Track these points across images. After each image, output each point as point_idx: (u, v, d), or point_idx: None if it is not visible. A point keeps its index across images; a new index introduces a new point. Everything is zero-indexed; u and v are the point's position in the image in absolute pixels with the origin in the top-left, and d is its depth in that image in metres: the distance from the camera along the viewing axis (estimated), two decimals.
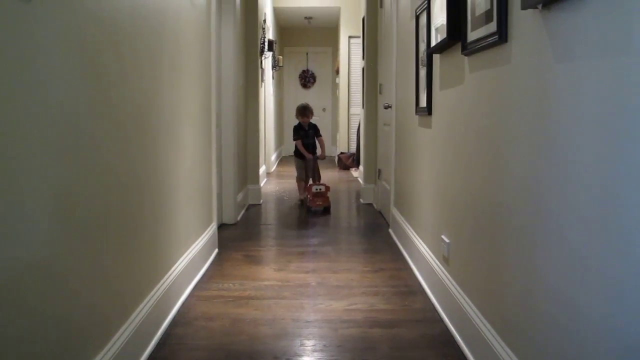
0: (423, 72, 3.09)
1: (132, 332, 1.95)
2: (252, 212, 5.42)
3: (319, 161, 5.96)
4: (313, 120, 6.05)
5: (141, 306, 2.10)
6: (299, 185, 5.94)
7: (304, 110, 5.84)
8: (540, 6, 1.46)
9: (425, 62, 3.02)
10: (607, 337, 1.18)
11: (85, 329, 1.63)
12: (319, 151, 5.95)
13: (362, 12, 6.10)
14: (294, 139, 5.82)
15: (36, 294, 1.35)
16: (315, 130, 5.88)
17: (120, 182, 1.90)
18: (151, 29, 2.25)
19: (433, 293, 2.78)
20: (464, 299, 2.21)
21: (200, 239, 3.25)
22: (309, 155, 5.75)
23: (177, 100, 2.70)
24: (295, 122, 6.01)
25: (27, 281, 1.31)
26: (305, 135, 5.80)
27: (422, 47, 3.10)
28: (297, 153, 5.88)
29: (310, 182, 5.81)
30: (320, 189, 5.41)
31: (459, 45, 2.29)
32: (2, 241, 1.21)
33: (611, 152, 1.16)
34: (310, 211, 5.37)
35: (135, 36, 2.05)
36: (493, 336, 1.86)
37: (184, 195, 2.84)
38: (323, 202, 5.39)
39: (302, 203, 5.75)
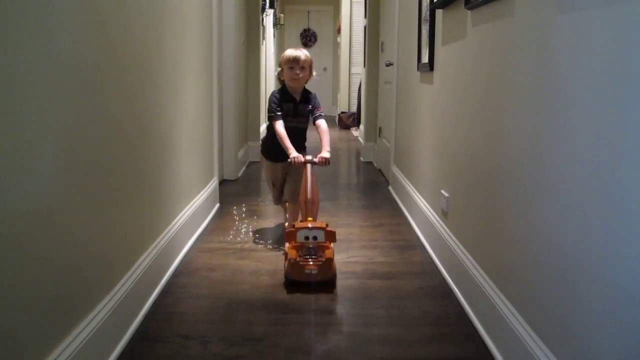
0: (425, 28, 3.08)
1: (136, 280, 1.99)
2: (253, 168, 5.44)
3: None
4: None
5: (145, 255, 2.14)
6: (283, 207, 3.31)
7: (295, 58, 2.88)
8: None
9: (427, 18, 3.00)
10: (598, 282, 1.22)
11: (89, 275, 1.67)
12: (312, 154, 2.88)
13: None
14: (269, 119, 2.98)
15: (41, 241, 1.38)
16: (313, 106, 2.99)
17: (123, 132, 1.92)
18: None
19: (431, 247, 2.83)
20: (462, 251, 2.25)
21: (201, 193, 3.28)
22: (296, 157, 2.79)
23: (178, 55, 2.70)
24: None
25: (32, 228, 1.34)
26: (294, 112, 2.94)
27: (425, 3, 3.08)
28: (269, 149, 3.05)
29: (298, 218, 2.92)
30: (314, 238, 2.45)
31: (462, 0, 2.28)
32: (8, 189, 1.23)
33: (611, 103, 1.18)
34: (289, 281, 2.43)
35: None
36: (489, 285, 1.90)
37: (185, 149, 2.86)
38: (321, 269, 2.40)
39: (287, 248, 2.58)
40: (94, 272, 1.69)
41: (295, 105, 2.93)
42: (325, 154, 2.81)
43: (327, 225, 2.48)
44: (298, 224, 2.48)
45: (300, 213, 2.77)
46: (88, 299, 1.65)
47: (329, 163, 2.82)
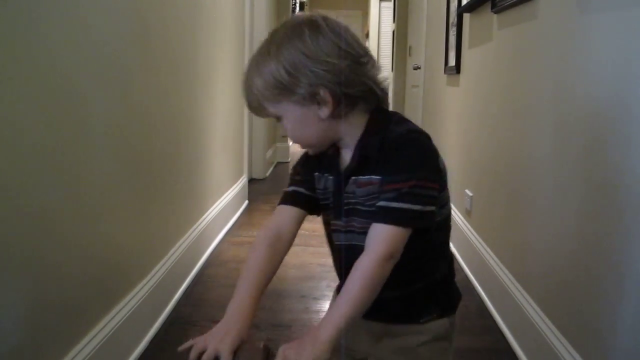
0: (453, 32, 3.14)
1: (169, 268, 2.09)
2: (281, 168, 5.55)
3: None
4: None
5: (177, 245, 2.24)
6: None
7: (248, 103, 0.99)
8: None
9: (455, 22, 3.07)
10: (622, 276, 1.27)
11: (127, 260, 1.77)
12: None
13: None
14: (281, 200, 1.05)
15: (86, 225, 1.49)
16: (386, 178, 0.89)
17: (161, 129, 2.02)
18: None
19: (455, 245, 2.88)
20: (484, 249, 2.31)
21: (231, 189, 3.38)
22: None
23: (212, 57, 2.80)
24: None
25: (79, 213, 1.44)
26: (337, 199, 0.99)
27: (453, 7, 3.15)
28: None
29: None
30: None
31: (488, 4, 2.34)
32: (63, 176, 1.34)
33: (630, 96, 1.24)
34: None
35: None
36: (510, 281, 1.96)
37: (217, 147, 2.96)
38: None
39: None
40: (131, 258, 1.79)
41: (338, 181, 1.00)
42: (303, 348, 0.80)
43: None
44: None
45: None
46: (126, 282, 1.76)
47: None
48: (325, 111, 0.92)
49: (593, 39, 1.40)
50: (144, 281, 1.88)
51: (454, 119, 3.10)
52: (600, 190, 1.34)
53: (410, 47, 5.35)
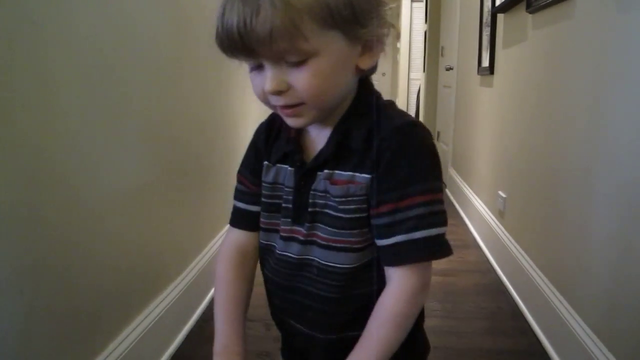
0: (486, 32, 3.12)
1: (204, 265, 2.14)
2: None
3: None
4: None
5: (212, 244, 2.28)
6: None
7: (237, 36, 0.65)
8: None
9: (489, 22, 3.05)
10: None
11: (165, 255, 1.81)
12: None
13: None
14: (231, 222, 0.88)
15: (127, 219, 1.52)
16: (382, 189, 0.70)
17: (198, 128, 2.06)
18: None
19: (487, 246, 2.86)
20: (518, 250, 2.29)
21: None
22: None
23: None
24: None
25: (122, 207, 1.48)
26: (297, 202, 0.76)
27: (486, 7, 3.13)
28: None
29: None
30: None
31: (523, 4, 2.32)
32: (107, 171, 1.37)
33: None
34: None
35: None
36: (545, 283, 1.94)
37: None
38: None
39: None
40: (167, 255, 1.83)
41: (303, 174, 0.76)
42: None
43: None
44: None
45: None
46: (162, 278, 1.79)
47: None
48: (368, 60, 0.70)
49: (632, 38, 1.38)
50: (180, 278, 1.91)
51: (487, 120, 3.08)
52: (637, 193, 1.33)
53: (442, 48, 5.33)
